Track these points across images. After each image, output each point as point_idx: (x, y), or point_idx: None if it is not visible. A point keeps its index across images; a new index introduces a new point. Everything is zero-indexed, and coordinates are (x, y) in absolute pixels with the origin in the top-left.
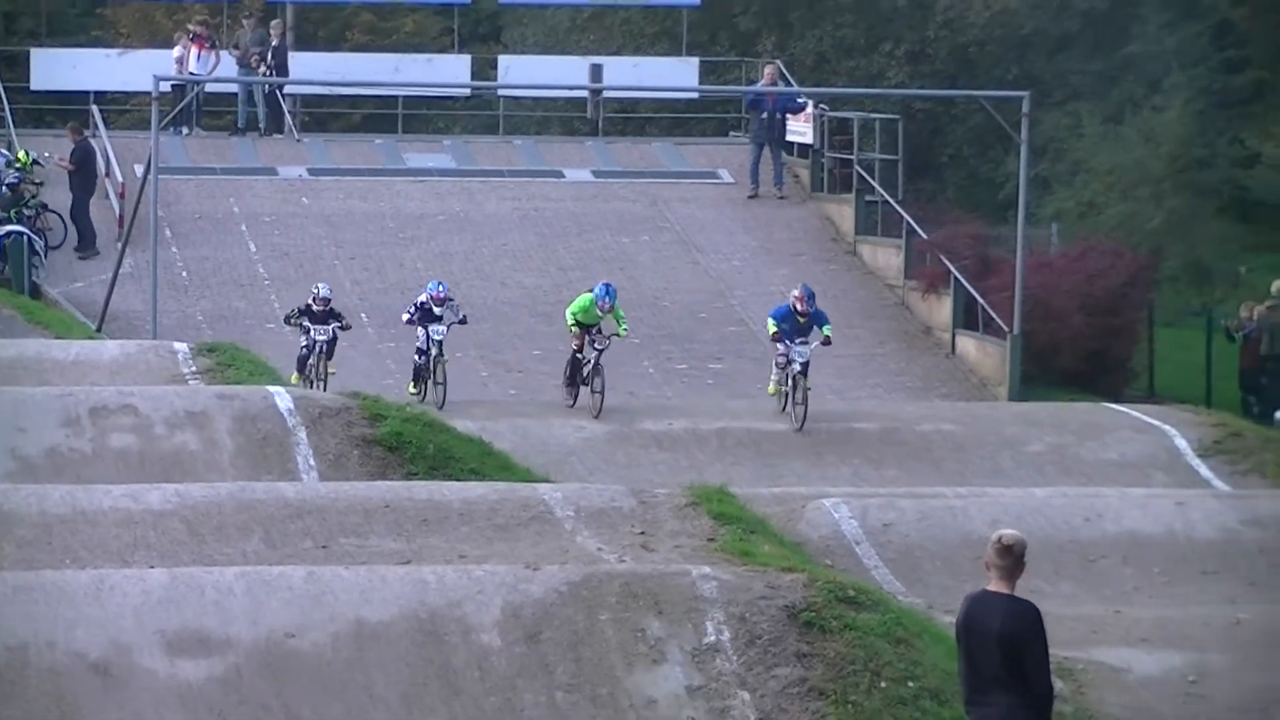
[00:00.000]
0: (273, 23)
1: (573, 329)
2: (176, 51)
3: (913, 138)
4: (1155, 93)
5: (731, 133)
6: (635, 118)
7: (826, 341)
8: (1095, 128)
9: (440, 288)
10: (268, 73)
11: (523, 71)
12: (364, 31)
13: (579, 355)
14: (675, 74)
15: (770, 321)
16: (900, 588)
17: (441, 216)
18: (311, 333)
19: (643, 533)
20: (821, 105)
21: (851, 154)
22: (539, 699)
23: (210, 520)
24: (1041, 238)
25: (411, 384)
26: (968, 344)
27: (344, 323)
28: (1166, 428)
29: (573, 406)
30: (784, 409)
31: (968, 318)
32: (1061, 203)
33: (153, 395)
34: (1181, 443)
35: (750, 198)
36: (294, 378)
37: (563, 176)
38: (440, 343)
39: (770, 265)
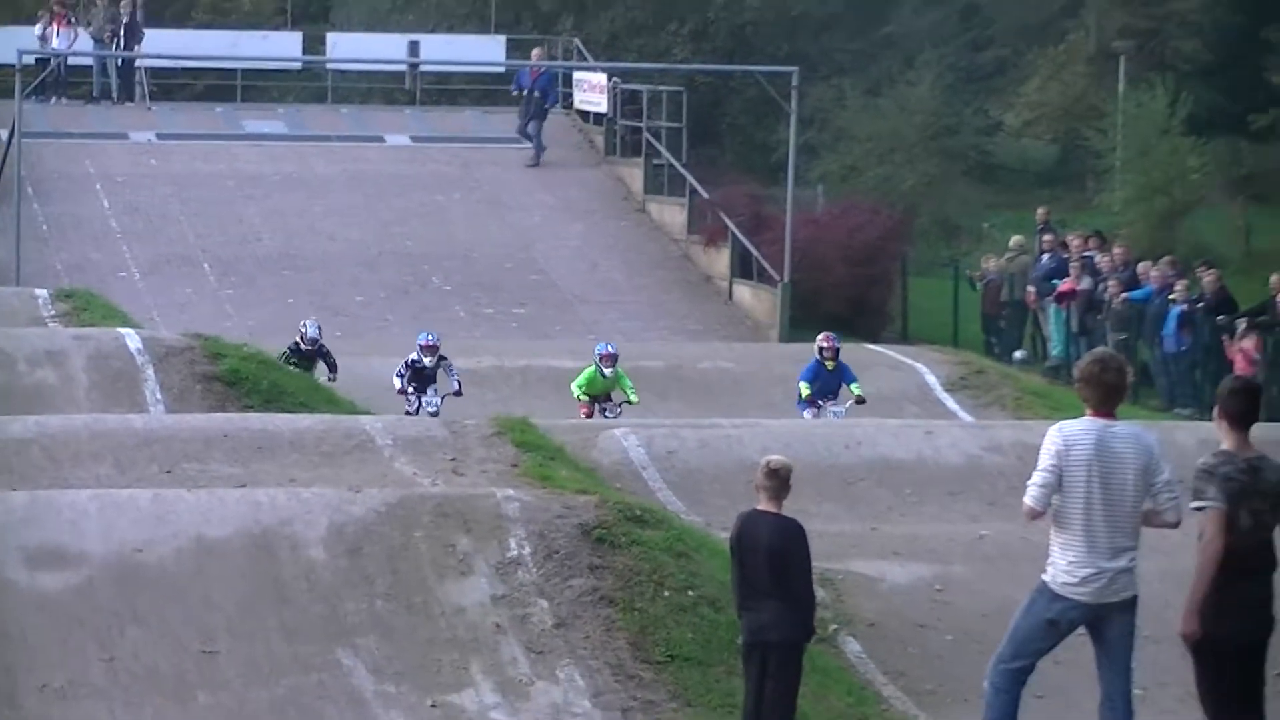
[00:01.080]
0: (123, 2)
1: (581, 399)
2: (39, 28)
3: (695, 108)
4: (910, 68)
5: None
6: (449, 89)
7: (860, 400)
8: (856, 100)
9: (429, 337)
10: (120, 47)
11: (348, 47)
12: (206, 10)
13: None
14: (484, 50)
15: (802, 386)
16: (682, 507)
17: (276, 177)
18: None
19: (453, 459)
20: (614, 78)
21: (641, 122)
22: (360, 607)
23: (67, 448)
24: (809, 197)
25: None
26: (743, 291)
27: (332, 368)
28: (918, 365)
29: None
30: None
31: (743, 268)
32: (827, 166)
33: (15, 336)
34: (931, 379)
35: (529, 166)
36: None
37: (384, 141)
38: (436, 415)
39: (568, 221)
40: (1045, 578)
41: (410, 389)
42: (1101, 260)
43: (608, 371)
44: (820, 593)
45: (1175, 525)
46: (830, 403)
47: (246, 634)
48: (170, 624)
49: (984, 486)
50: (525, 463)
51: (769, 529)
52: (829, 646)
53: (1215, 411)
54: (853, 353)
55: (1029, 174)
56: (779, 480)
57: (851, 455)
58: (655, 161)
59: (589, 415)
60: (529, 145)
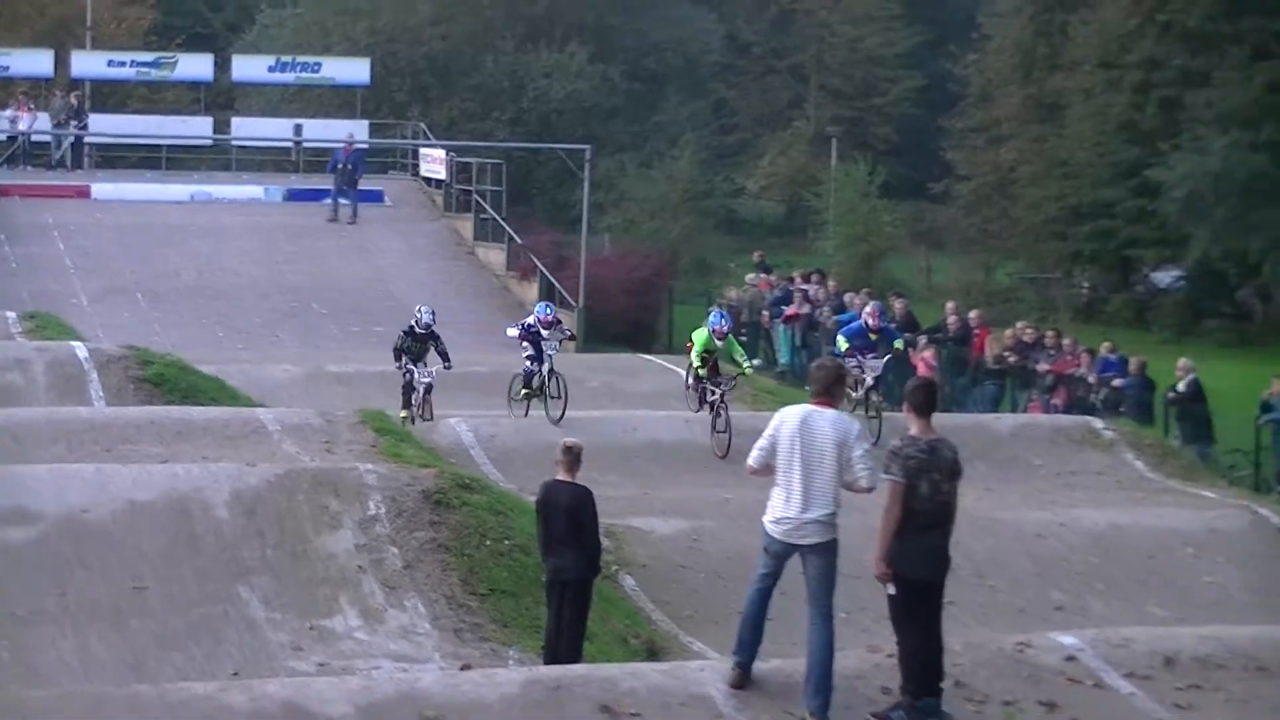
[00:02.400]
0: (74, 93)
1: (698, 366)
2: (8, 112)
3: (512, 176)
4: (674, 146)
5: (390, 170)
6: (323, 160)
7: (897, 354)
8: (634, 170)
9: (548, 311)
10: (73, 127)
11: (248, 128)
12: (139, 100)
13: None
14: (352, 130)
15: (841, 339)
16: (500, 477)
17: (192, 227)
18: (415, 374)
19: (327, 441)
20: (451, 153)
21: (471, 186)
22: (255, 554)
23: (30, 433)
24: (598, 244)
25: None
26: None
27: (444, 356)
28: (680, 370)
29: (696, 411)
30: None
31: (548, 296)
32: (611, 220)
33: None
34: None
35: (329, 220)
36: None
37: (275, 200)
38: (552, 358)
39: (415, 261)
40: (763, 518)
41: (406, 361)
42: (818, 291)
43: (719, 342)
44: (605, 541)
45: (869, 491)
46: (870, 355)
47: (168, 575)
48: (109, 567)
49: (730, 464)
50: (382, 444)
51: (566, 494)
52: (611, 582)
53: (904, 405)
54: (629, 361)
55: (764, 226)
56: (573, 456)
57: (630, 438)
58: (481, 216)
59: (699, 393)
60: (346, 204)
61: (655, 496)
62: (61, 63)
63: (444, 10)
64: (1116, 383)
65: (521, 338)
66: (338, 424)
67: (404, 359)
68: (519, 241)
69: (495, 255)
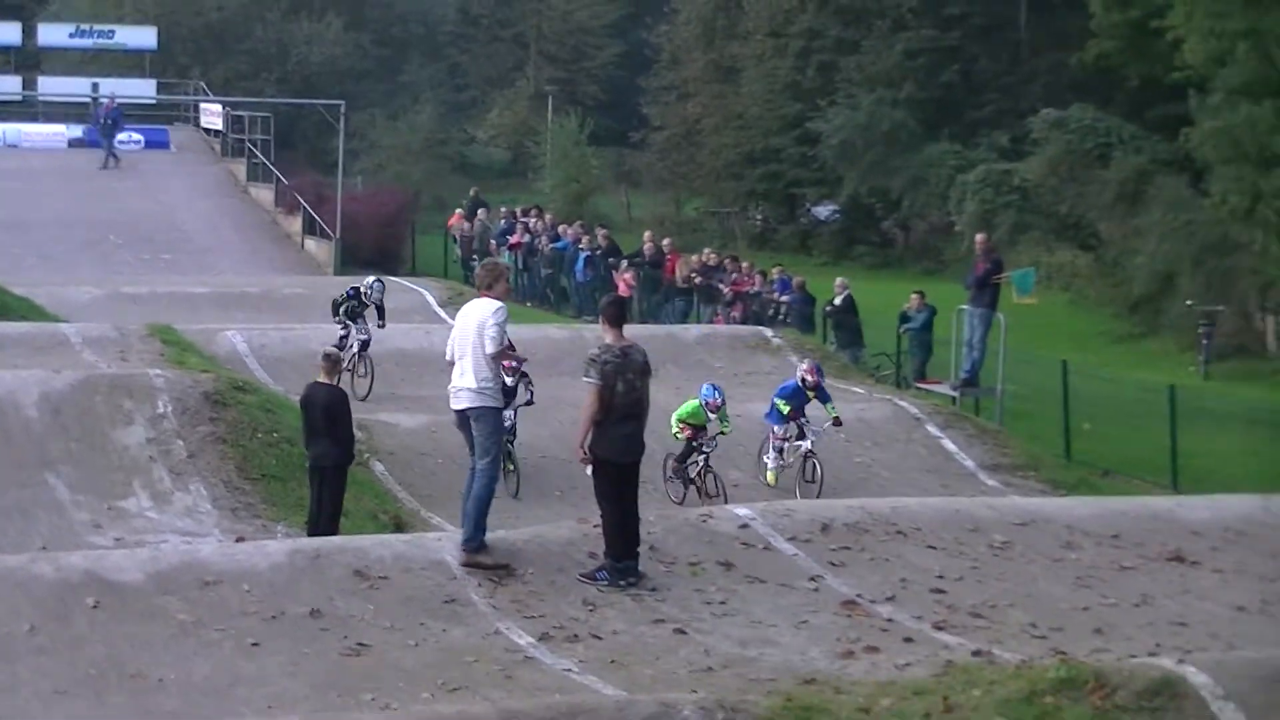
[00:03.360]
0: None
1: (679, 433)
2: None
3: (279, 127)
4: (416, 102)
5: (175, 123)
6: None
7: (837, 422)
8: (383, 122)
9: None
10: None
11: (53, 86)
12: None
13: (693, 444)
14: (142, 88)
15: (779, 402)
16: (270, 381)
17: (6, 170)
18: (352, 331)
19: (121, 351)
20: (227, 107)
21: (244, 136)
22: (60, 447)
23: None
24: (353, 184)
25: None
26: (310, 243)
27: (381, 315)
28: (422, 289)
29: (680, 503)
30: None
31: (310, 229)
32: (364, 164)
33: None
34: (430, 298)
35: (100, 169)
36: None
37: (76, 147)
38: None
39: (198, 199)
40: None
41: (779, 420)
42: (537, 224)
43: (712, 416)
44: (358, 433)
45: (493, 356)
46: (802, 421)
47: None
48: None
49: None
50: (168, 353)
51: (324, 394)
52: (363, 468)
53: (599, 318)
54: (383, 278)
55: (492, 170)
56: (331, 362)
57: (379, 347)
58: (253, 161)
59: (691, 438)
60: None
61: (399, 395)
62: None
63: None
64: (784, 298)
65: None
66: (130, 336)
67: (341, 316)
68: (285, 182)
69: (265, 194)
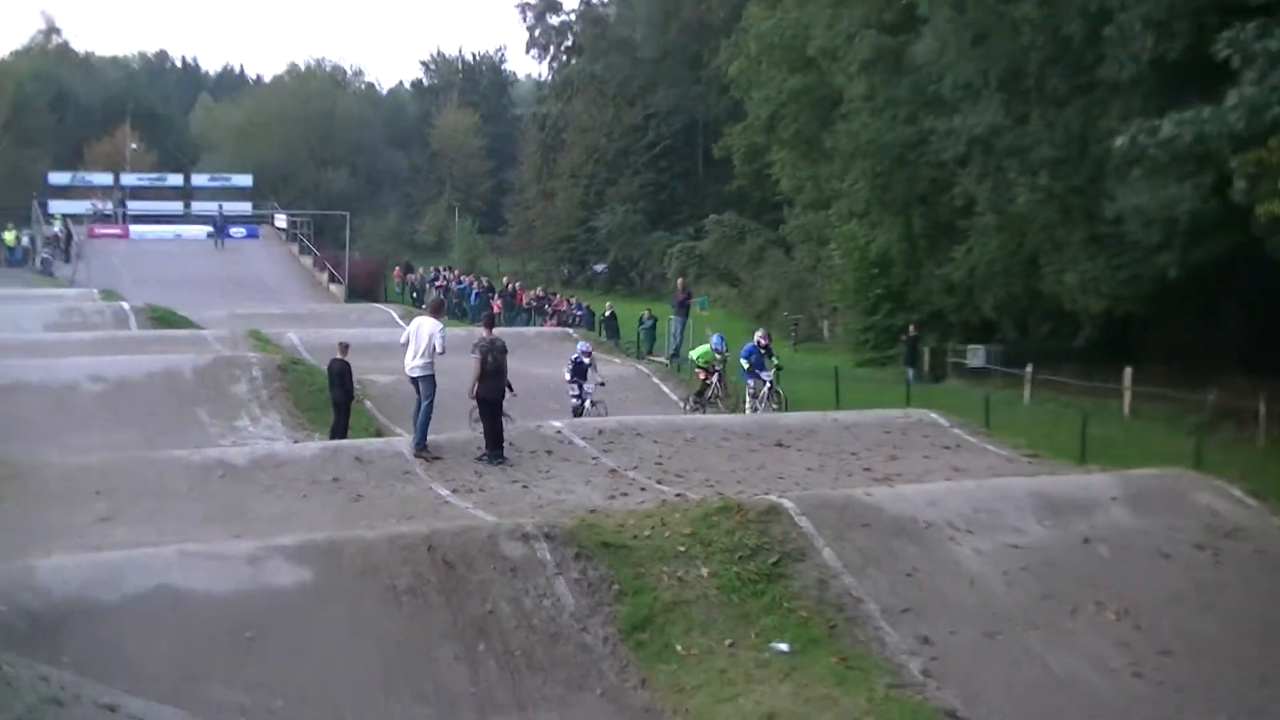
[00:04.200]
0: None
1: (699, 367)
2: None
3: (315, 225)
4: (386, 213)
5: (262, 224)
6: None
7: (779, 367)
8: (368, 223)
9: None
10: None
11: (199, 206)
12: None
13: (706, 382)
14: (243, 207)
15: (744, 361)
16: (310, 358)
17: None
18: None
19: (234, 344)
20: (289, 215)
21: (297, 230)
22: (202, 394)
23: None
24: (354, 254)
25: None
26: (332, 287)
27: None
28: (390, 310)
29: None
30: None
31: (332, 279)
32: (359, 244)
33: None
34: (395, 313)
35: (218, 249)
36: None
37: None
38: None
39: (273, 264)
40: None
41: (573, 380)
42: (449, 275)
43: (718, 357)
44: (359, 386)
45: (441, 353)
46: (763, 372)
47: (163, 406)
48: (132, 406)
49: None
50: (257, 345)
51: (338, 364)
52: (360, 405)
53: (480, 323)
54: None
55: (427, 247)
56: (344, 347)
57: (367, 339)
58: (303, 244)
59: (705, 378)
60: None
61: (379, 366)
62: None
63: None
64: (578, 313)
65: (571, 374)
66: (238, 336)
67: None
68: (318, 254)
69: (308, 261)
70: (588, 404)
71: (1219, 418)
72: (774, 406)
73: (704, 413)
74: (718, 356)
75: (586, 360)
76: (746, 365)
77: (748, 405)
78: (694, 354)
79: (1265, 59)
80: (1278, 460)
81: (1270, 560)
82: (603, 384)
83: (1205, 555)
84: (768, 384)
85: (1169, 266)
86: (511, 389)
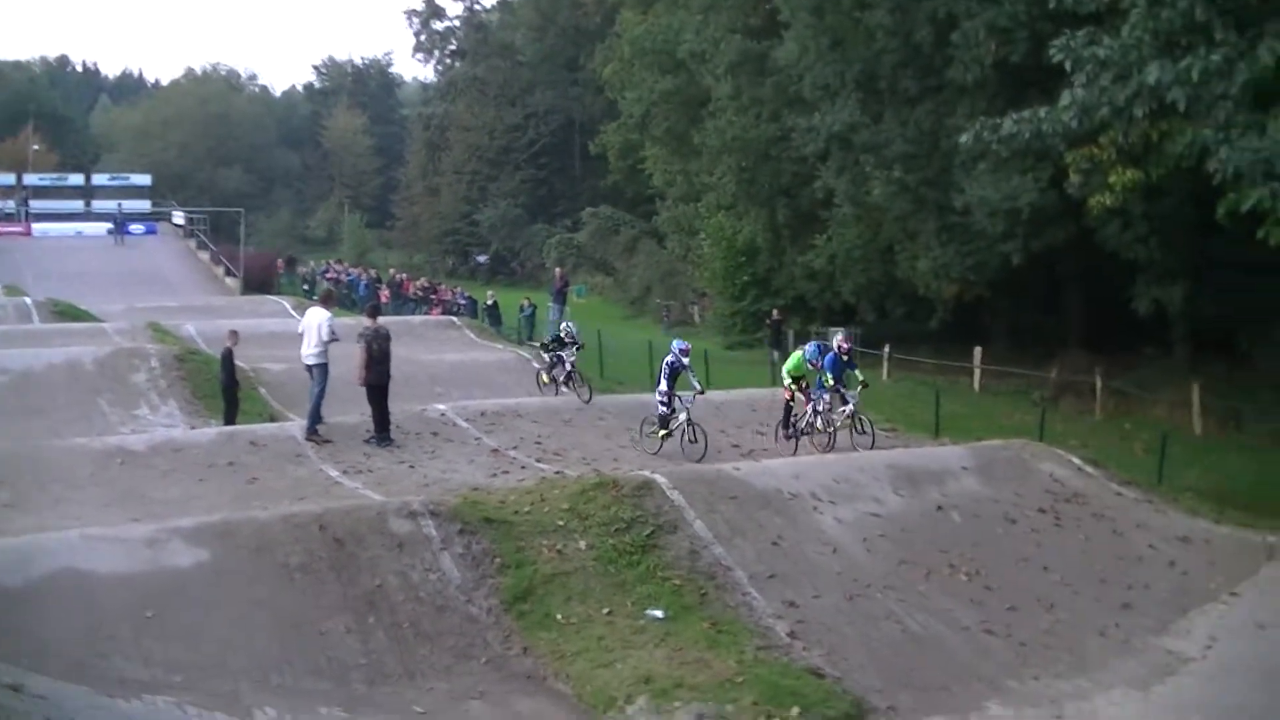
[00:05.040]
0: None
1: (789, 384)
2: None
3: (212, 221)
4: (279, 209)
5: (160, 221)
6: None
7: (864, 385)
8: (261, 220)
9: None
10: None
11: (99, 205)
12: None
13: (791, 404)
14: (143, 205)
15: (827, 375)
16: (206, 348)
17: None
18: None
19: (133, 335)
20: (185, 212)
21: (194, 226)
22: (104, 383)
23: None
24: (249, 250)
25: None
26: (229, 280)
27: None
28: (283, 301)
29: (794, 455)
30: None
31: (228, 272)
32: (253, 240)
33: None
34: (288, 304)
35: (118, 244)
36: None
37: None
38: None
39: (172, 259)
40: None
41: (668, 386)
42: (340, 267)
43: (810, 367)
44: (252, 374)
45: (331, 341)
46: (847, 393)
47: (68, 397)
48: (44, 396)
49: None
50: (156, 336)
51: (228, 352)
52: (253, 390)
53: (365, 313)
54: None
55: (318, 241)
56: (233, 336)
57: (261, 329)
58: (200, 240)
59: (792, 397)
60: None
61: (273, 354)
62: None
63: None
64: (461, 302)
65: (667, 379)
66: (137, 328)
67: (550, 351)
68: (215, 249)
69: (205, 256)
70: (682, 417)
71: (1060, 392)
72: (863, 432)
73: (794, 450)
74: (810, 368)
75: (686, 361)
76: (830, 381)
77: (819, 425)
78: (786, 366)
79: (1094, 63)
80: (1113, 430)
81: (1106, 523)
82: (702, 393)
83: (1048, 519)
84: (851, 408)
85: (1013, 253)
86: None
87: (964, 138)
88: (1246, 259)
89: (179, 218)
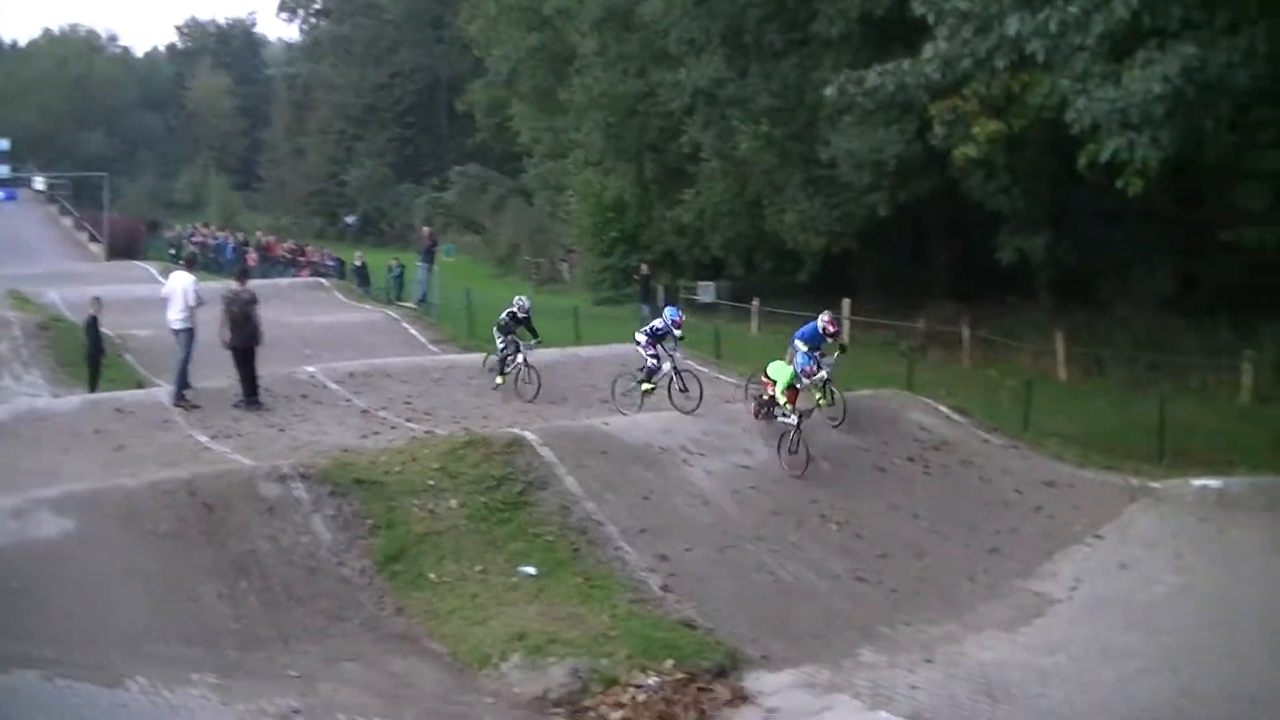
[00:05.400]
0: None
1: (782, 394)
2: None
3: (75, 186)
4: (141, 173)
5: (20, 186)
6: None
7: (843, 349)
8: (125, 184)
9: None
10: None
11: None
12: None
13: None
14: (2, 170)
15: (799, 343)
16: (70, 315)
17: None
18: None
19: None
20: (46, 178)
21: (56, 192)
22: None
23: None
24: (113, 215)
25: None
26: (92, 246)
27: (534, 334)
28: (149, 266)
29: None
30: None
31: (92, 238)
32: (118, 205)
33: None
34: (154, 270)
35: None
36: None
37: None
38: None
39: (34, 224)
40: None
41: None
42: (207, 231)
43: (806, 381)
44: (119, 340)
45: (196, 306)
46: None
47: None
48: None
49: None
50: (17, 304)
51: (91, 320)
52: (121, 359)
53: (235, 277)
54: None
55: (184, 206)
56: (96, 303)
57: (127, 295)
58: (62, 205)
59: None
60: None
61: (139, 321)
62: None
63: None
64: (329, 264)
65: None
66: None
67: (503, 336)
68: (77, 215)
69: (68, 222)
70: (666, 367)
71: (928, 342)
72: (830, 403)
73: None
74: (804, 382)
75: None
76: (804, 348)
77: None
78: (779, 381)
79: (955, 16)
80: (980, 379)
81: (974, 469)
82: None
83: (916, 467)
84: (825, 375)
85: (879, 205)
86: (259, 339)
87: (829, 91)
88: (1107, 208)
89: (39, 183)
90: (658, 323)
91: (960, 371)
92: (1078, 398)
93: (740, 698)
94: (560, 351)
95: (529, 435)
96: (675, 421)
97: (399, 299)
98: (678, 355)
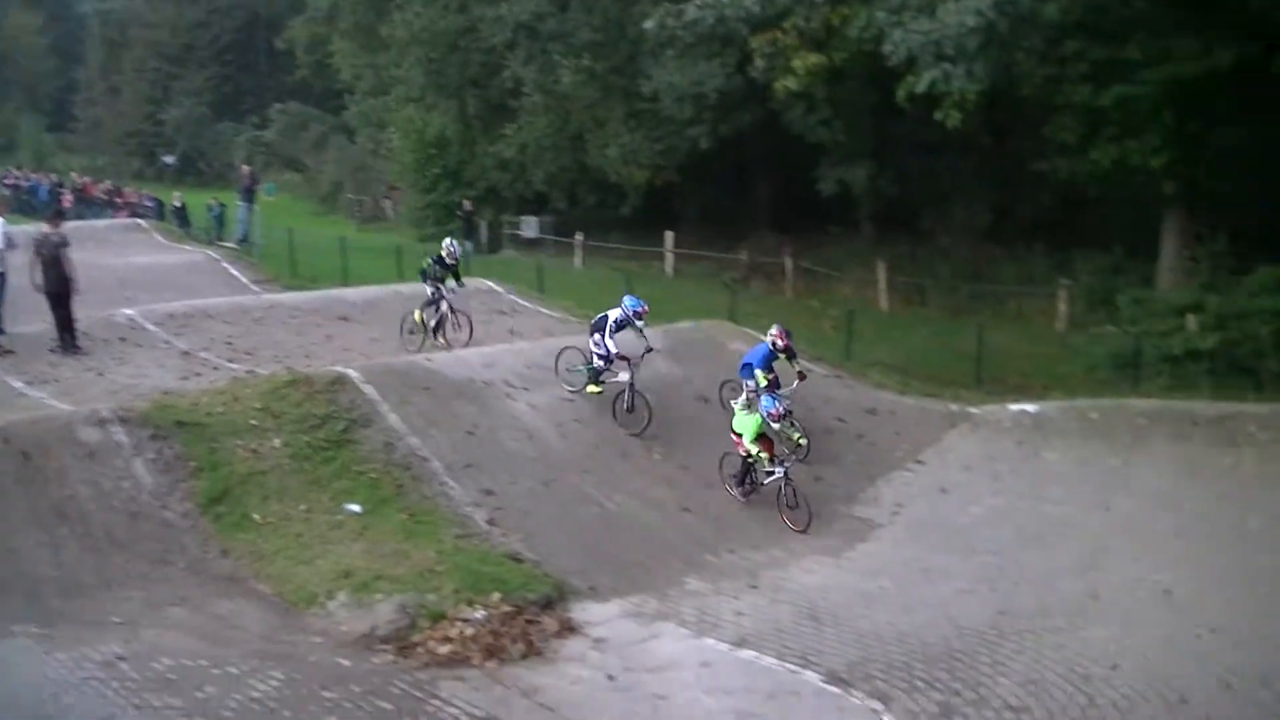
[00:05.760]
0: None
1: (759, 453)
2: None
3: None
4: None
5: None
6: None
7: (802, 377)
8: None
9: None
10: None
11: None
12: None
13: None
14: None
15: (759, 374)
16: None
17: None
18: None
19: None
20: None
21: None
22: None
23: None
24: None
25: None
26: None
27: (458, 278)
28: None
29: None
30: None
31: None
32: None
33: None
34: None
35: None
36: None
37: None
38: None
39: None
40: None
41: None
42: (21, 174)
43: (775, 425)
44: None
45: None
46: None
47: None
48: None
49: None
50: None
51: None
52: None
53: (46, 219)
54: None
55: None
56: None
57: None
58: None
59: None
60: None
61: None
62: None
63: None
64: (147, 204)
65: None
66: None
67: (430, 280)
68: None
69: None
70: (623, 377)
71: (751, 273)
72: (801, 437)
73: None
74: (773, 427)
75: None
76: (764, 381)
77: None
78: (745, 432)
79: None
80: (803, 309)
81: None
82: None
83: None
84: (784, 410)
85: (700, 138)
86: (74, 282)
87: (649, 24)
88: (927, 141)
89: None
90: (616, 313)
91: (783, 302)
92: (899, 327)
93: (568, 628)
94: (382, 288)
95: (351, 373)
96: (498, 356)
97: (219, 239)
98: (639, 363)
